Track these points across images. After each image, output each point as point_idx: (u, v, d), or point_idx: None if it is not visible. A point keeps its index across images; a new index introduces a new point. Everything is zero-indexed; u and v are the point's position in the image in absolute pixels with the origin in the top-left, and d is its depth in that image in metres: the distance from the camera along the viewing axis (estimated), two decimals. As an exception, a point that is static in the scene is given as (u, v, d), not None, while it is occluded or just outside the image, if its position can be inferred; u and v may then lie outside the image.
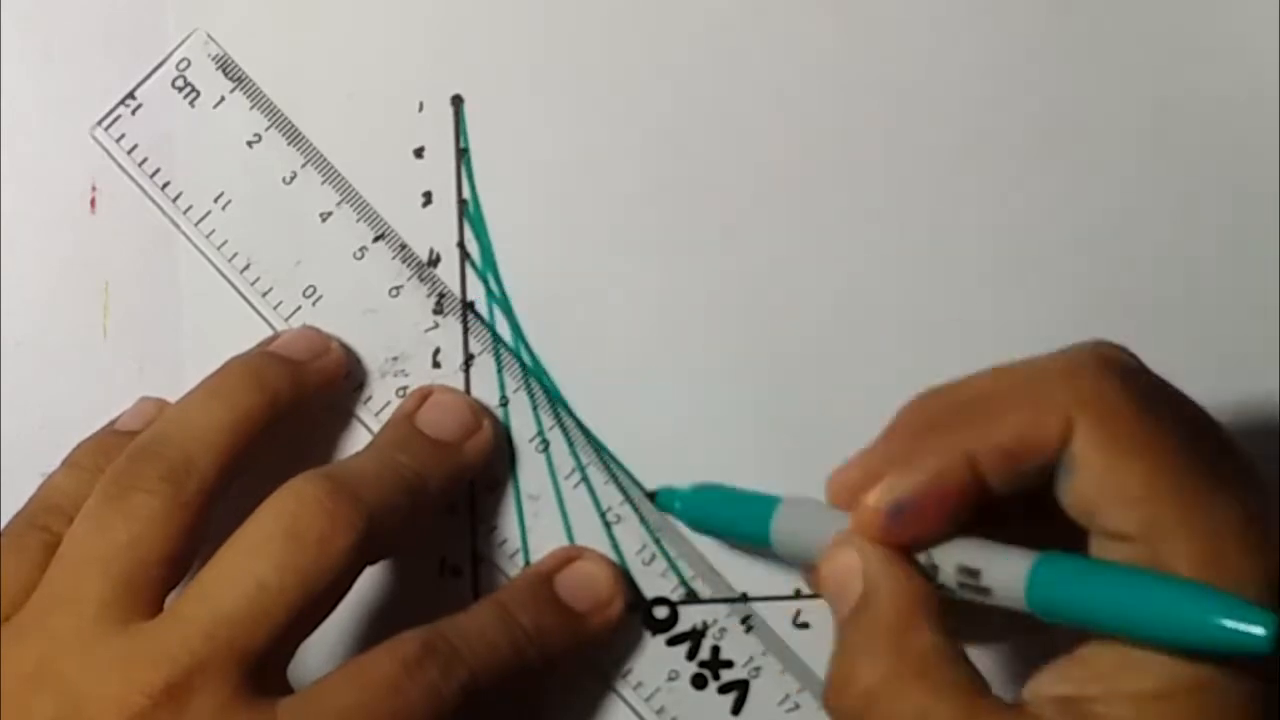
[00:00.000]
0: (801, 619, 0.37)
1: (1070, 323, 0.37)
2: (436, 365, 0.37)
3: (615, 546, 0.37)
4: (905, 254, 0.37)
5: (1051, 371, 0.29)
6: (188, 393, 0.35)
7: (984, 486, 0.29)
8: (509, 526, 0.37)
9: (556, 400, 0.37)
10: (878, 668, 0.29)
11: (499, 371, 0.37)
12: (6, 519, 0.37)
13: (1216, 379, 0.37)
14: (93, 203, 0.38)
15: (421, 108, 0.37)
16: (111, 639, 0.31)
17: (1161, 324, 0.37)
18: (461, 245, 0.37)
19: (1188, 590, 0.27)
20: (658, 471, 0.37)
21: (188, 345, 0.37)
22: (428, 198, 0.37)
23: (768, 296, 0.37)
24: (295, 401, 0.35)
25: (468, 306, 0.37)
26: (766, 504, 0.33)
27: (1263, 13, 0.37)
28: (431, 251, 0.37)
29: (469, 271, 0.37)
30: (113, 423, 0.37)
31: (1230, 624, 0.26)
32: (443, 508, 0.37)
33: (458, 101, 0.37)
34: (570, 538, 0.37)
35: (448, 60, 0.37)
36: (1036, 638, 0.29)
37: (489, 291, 0.37)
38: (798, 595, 0.37)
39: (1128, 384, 0.29)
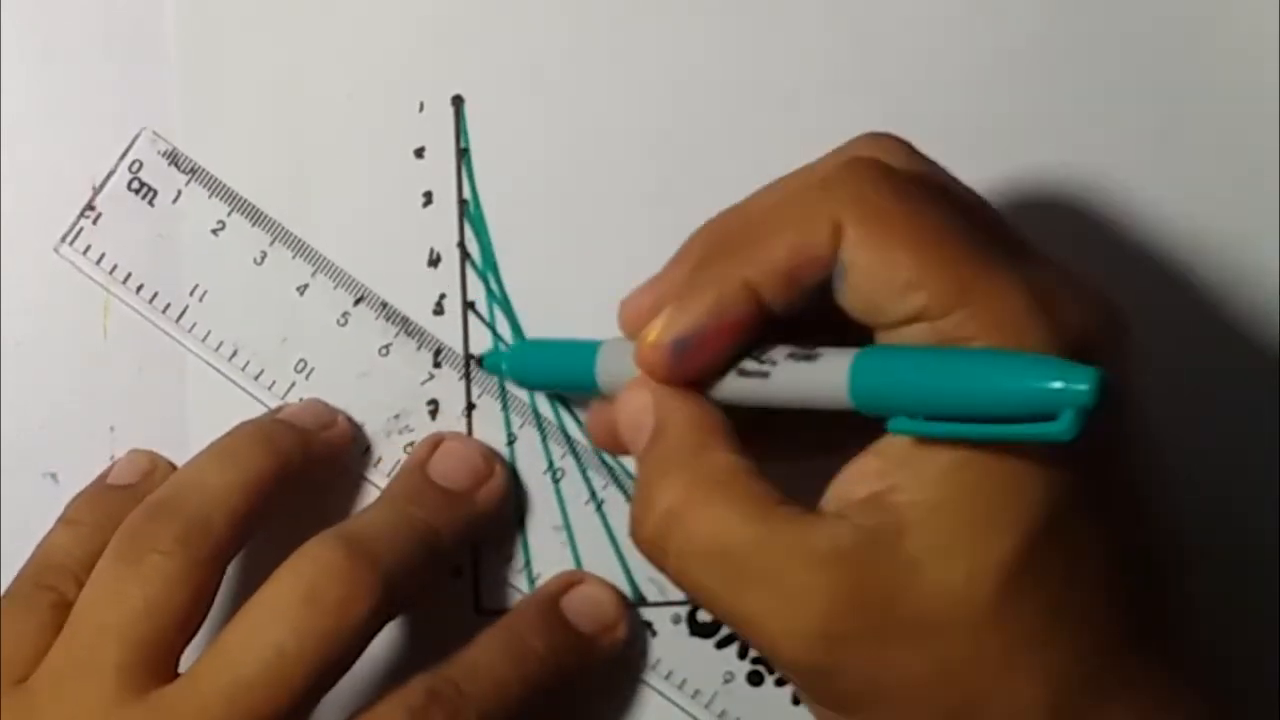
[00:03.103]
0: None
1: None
2: (436, 415, 0.37)
3: (624, 564, 0.37)
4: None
5: (811, 182, 0.29)
6: (198, 454, 0.35)
7: (767, 311, 0.29)
8: (514, 543, 0.37)
9: (555, 397, 0.37)
10: (673, 489, 0.29)
11: (504, 409, 0.37)
12: (7, 520, 0.37)
13: (1216, 377, 0.37)
14: (92, 203, 0.38)
15: (422, 108, 0.37)
16: (131, 708, 0.31)
17: (1162, 323, 0.37)
18: (462, 245, 0.37)
19: (1006, 358, 0.26)
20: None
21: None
22: (428, 198, 0.37)
23: (768, 296, 0.37)
24: (304, 468, 0.35)
25: (468, 306, 0.37)
26: (590, 349, 0.33)
27: (1263, 13, 0.37)
28: (432, 251, 0.37)
29: (469, 271, 0.37)
30: (104, 476, 0.37)
31: (1056, 383, 0.25)
32: (458, 558, 0.37)
33: (458, 101, 0.37)
34: (578, 561, 0.37)
35: (448, 60, 0.37)
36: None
37: (489, 291, 0.37)
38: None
39: (887, 178, 0.29)
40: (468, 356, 0.37)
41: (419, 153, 0.37)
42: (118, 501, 0.35)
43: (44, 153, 0.37)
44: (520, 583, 0.37)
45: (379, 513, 0.35)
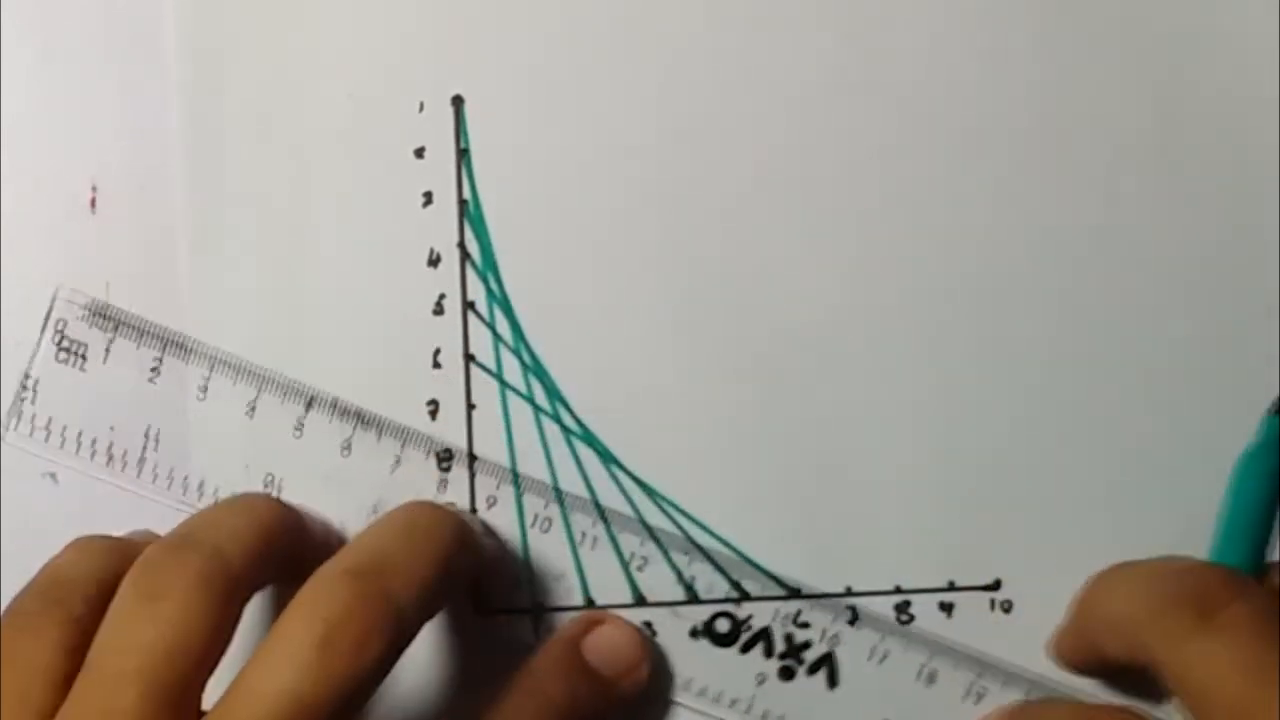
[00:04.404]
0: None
1: (1071, 322, 0.37)
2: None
3: (629, 576, 0.37)
4: (906, 253, 0.37)
5: None
6: (210, 505, 0.35)
7: None
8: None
9: (555, 397, 0.37)
10: None
11: (473, 479, 0.37)
12: (6, 521, 0.37)
13: (1216, 379, 0.37)
14: (93, 203, 0.38)
15: (421, 108, 0.37)
16: None
17: (1161, 323, 0.37)
18: (462, 245, 0.37)
19: None
20: (656, 471, 0.37)
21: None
22: (428, 198, 0.37)
23: (768, 296, 0.37)
24: (304, 543, 0.35)
25: (468, 306, 0.37)
26: None
27: (1263, 13, 0.37)
28: (432, 251, 0.37)
29: (469, 271, 0.37)
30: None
31: None
32: (473, 572, 0.37)
33: (458, 101, 0.37)
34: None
35: (448, 60, 0.37)
36: None
37: (489, 291, 0.37)
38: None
39: None
40: (467, 356, 0.37)
41: (419, 153, 0.37)
42: (130, 544, 0.34)
43: (44, 154, 0.37)
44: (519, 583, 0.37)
45: (387, 534, 0.34)
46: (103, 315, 0.37)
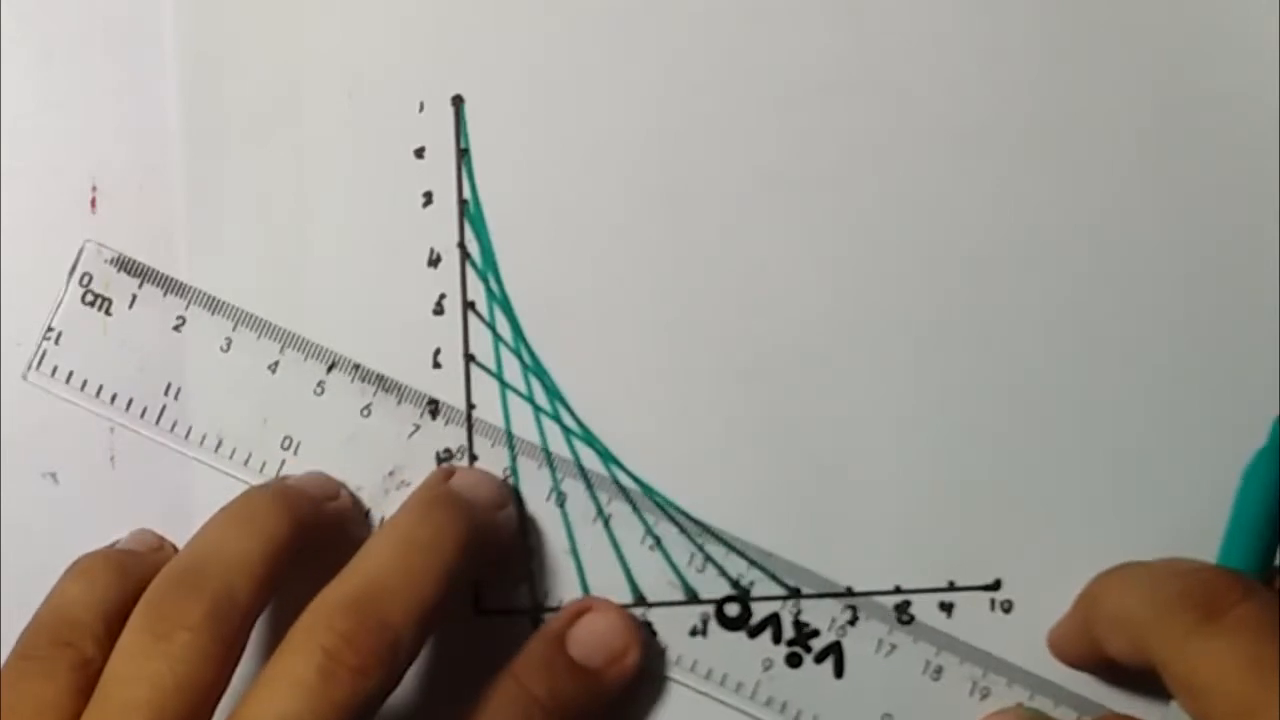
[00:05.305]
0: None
1: (1072, 322, 0.37)
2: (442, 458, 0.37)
3: (630, 577, 0.37)
4: (906, 252, 0.37)
5: None
6: (212, 519, 0.34)
7: None
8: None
9: (555, 397, 0.37)
10: None
11: (508, 444, 0.37)
12: (6, 520, 0.37)
13: (1216, 379, 0.37)
14: (93, 203, 0.38)
15: (421, 108, 0.37)
16: None
17: (1160, 324, 0.37)
18: (462, 245, 0.37)
19: None
20: (656, 471, 0.37)
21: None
22: (428, 198, 0.37)
23: (767, 296, 0.37)
24: (315, 534, 0.35)
25: (468, 306, 0.37)
26: None
27: (1263, 13, 0.37)
28: (432, 251, 0.37)
29: (469, 271, 0.37)
30: (112, 543, 0.37)
31: None
32: (482, 567, 0.37)
33: (458, 101, 0.37)
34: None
35: (448, 60, 0.37)
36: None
37: (489, 291, 0.37)
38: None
39: None
40: (467, 356, 0.37)
41: (419, 153, 0.37)
42: (132, 561, 0.35)
43: (44, 154, 0.37)
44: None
45: (384, 555, 0.33)
46: (130, 267, 0.37)
